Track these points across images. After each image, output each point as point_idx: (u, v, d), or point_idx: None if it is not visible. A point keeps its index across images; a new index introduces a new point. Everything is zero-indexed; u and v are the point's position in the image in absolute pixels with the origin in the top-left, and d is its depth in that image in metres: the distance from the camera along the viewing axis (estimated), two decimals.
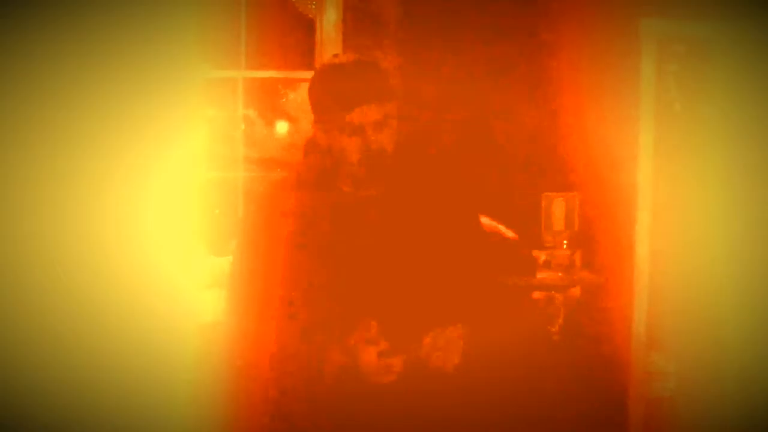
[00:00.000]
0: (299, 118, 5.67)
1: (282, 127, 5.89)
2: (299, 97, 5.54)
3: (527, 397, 4.44)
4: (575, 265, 4.89)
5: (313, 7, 5.26)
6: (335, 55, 2.97)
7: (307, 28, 5.29)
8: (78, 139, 2.68)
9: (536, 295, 4.82)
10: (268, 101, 5.85)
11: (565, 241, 4.91)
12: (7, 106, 2.61)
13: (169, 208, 2.71)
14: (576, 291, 4.88)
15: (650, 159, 5.11)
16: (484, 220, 4.44)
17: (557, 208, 4.93)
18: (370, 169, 2.68)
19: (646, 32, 5.11)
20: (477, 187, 3.13)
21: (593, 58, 5.11)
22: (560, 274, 4.84)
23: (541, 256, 4.87)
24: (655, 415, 5.09)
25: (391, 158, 2.68)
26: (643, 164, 5.12)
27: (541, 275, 4.84)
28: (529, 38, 5.14)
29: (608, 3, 5.10)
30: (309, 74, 5.08)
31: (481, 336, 2.77)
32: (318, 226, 2.73)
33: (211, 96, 5.64)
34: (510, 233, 4.63)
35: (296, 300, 2.69)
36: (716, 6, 4.92)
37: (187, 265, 2.75)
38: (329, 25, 5.13)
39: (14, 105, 2.63)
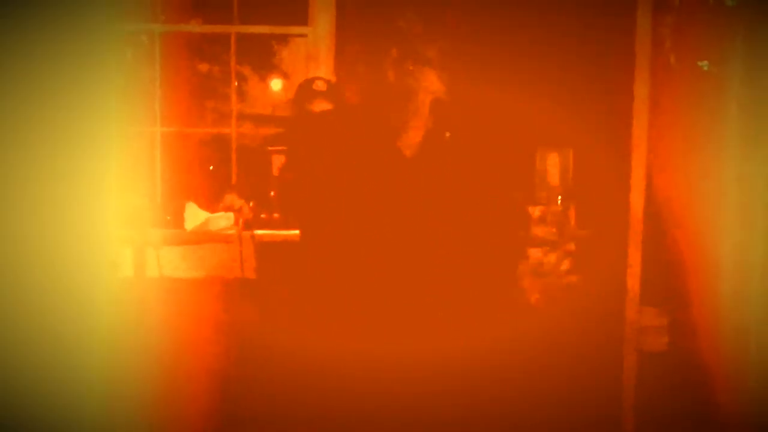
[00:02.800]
0: (292, 74, 5.63)
1: (276, 83, 5.86)
2: (293, 54, 5.50)
3: (521, 352, 4.45)
4: (569, 220, 4.88)
5: None
6: None
7: None
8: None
9: (531, 250, 4.81)
10: (261, 57, 5.82)
11: (559, 197, 4.89)
12: None
13: (93, 163, 2.62)
14: (570, 246, 4.87)
15: (645, 112, 5.07)
16: None
17: (551, 163, 4.91)
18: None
19: None
20: (471, 141, 3.11)
21: (587, 9, 5.06)
22: (554, 229, 4.82)
23: (536, 211, 4.85)
24: (649, 370, 5.09)
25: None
26: (638, 118, 5.07)
27: (536, 230, 4.82)
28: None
29: None
30: (303, 30, 5.19)
31: (476, 291, 2.80)
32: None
33: (203, 51, 5.64)
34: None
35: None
36: None
37: (110, 222, 2.68)
38: None
39: None
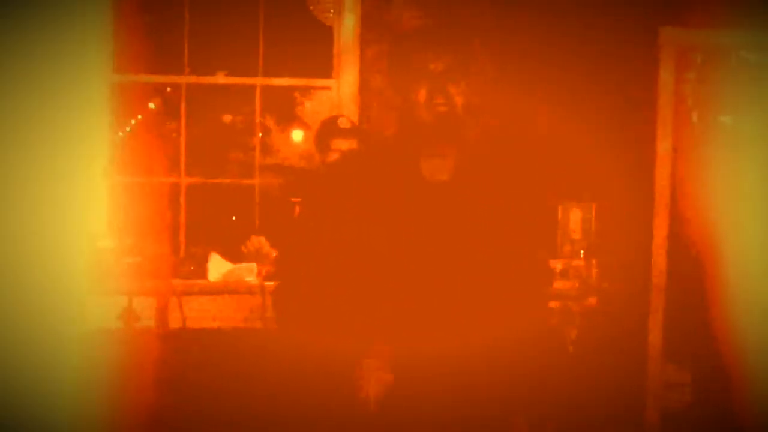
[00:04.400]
0: (315, 125, 5.66)
1: (298, 134, 5.90)
2: (316, 106, 5.55)
3: (542, 406, 4.42)
4: (591, 274, 4.87)
5: (331, 14, 5.27)
6: None
7: (325, 35, 5.30)
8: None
9: (552, 304, 4.77)
10: (284, 109, 5.87)
11: (581, 251, 4.89)
12: None
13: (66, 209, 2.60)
14: (592, 301, 4.86)
15: (667, 168, 5.08)
16: None
17: (574, 217, 4.93)
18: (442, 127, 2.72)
19: (664, 40, 5.09)
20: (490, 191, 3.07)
21: (611, 66, 5.10)
22: (576, 283, 4.82)
23: (558, 265, 4.84)
24: (672, 427, 5.06)
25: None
26: (660, 173, 5.09)
27: (558, 285, 4.80)
28: (545, 43, 5.12)
29: (627, 10, 5.09)
30: (326, 82, 5.22)
31: (497, 343, 2.78)
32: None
33: (228, 103, 5.67)
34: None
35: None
36: (735, 15, 4.90)
37: (83, 268, 2.64)
38: (347, 32, 5.15)
39: None
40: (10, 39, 2.48)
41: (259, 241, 4.96)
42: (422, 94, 2.68)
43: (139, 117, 5.42)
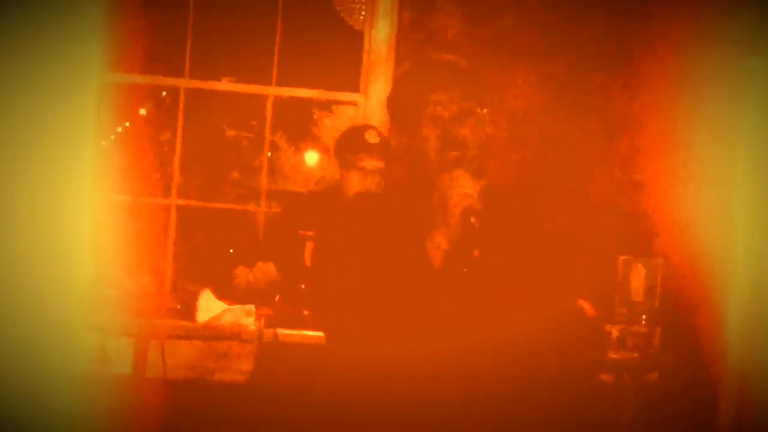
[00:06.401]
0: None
1: (312, 157, 5.43)
2: (336, 124, 5.06)
3: None
4: (654, 344, 4.48)
5: (362, 17, 4.90)
6: None
7: (354, 42, 4.94)
8: None
9: (605, 377, 4.45)
10: (299, 126, 5.44)
11: (643, 316, 4.51)
12: None
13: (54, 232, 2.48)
14: (653, 376, 4.49)
15: (748, 227, 4.72)
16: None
17: (636, 275, 4.53)
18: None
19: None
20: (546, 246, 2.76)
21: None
22: (635, 354, 4.45)
23: (614, 331, 4.47)
24: None
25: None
26: (740, 232, 4.74)
27: (613, 354, 4.44)
28: (618, 81, 4.86)
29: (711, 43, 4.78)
30: (352, 96, 4.72)
31: (538, 418, 2.52)
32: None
33: (234, 114, 5.24)
34: (585, 305, 4.14)
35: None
36: None
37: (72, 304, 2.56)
38: (379, 40, 4.79)
39: None
40: None
41: (258, 273, 4.56)
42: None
43: (128, 124, 4.92)
